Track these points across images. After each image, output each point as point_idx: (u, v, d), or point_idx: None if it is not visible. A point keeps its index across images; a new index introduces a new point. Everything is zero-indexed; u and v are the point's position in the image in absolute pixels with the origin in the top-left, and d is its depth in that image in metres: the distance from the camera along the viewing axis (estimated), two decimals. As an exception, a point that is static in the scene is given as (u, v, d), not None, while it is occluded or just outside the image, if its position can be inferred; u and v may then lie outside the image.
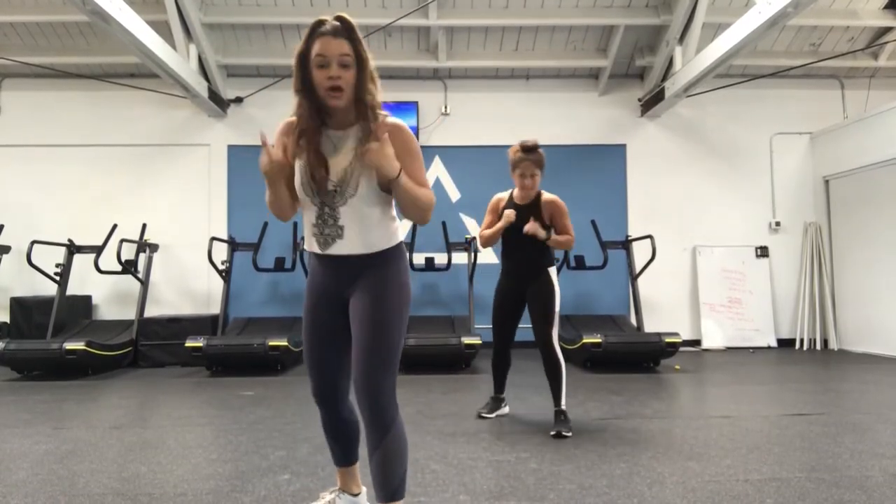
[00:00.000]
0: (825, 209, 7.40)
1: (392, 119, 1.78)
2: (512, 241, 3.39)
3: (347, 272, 1.82)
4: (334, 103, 1.70)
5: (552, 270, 3.40)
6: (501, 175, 4.79)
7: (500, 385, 3.72)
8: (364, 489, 2.14)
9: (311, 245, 1.85)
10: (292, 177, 1.80)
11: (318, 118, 1.75)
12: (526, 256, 3.38)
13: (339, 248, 1.79)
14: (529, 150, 3.28)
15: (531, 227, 3.25)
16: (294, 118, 1.79)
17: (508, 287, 3.49)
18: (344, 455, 2.04)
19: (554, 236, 3.34)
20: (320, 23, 1.68)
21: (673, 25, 6.55)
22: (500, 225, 3.33)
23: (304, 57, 1.70)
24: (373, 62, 1.73)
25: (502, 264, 3.55)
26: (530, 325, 3.43)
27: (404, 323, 1.84)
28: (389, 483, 1.75)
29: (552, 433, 3.15)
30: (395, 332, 1.79)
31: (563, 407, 3.31)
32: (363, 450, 1.80)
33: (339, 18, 1.68)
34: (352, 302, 1.83)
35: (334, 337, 1.88)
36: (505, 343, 3.60)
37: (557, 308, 3.36)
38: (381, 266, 1.82)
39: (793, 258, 7.42)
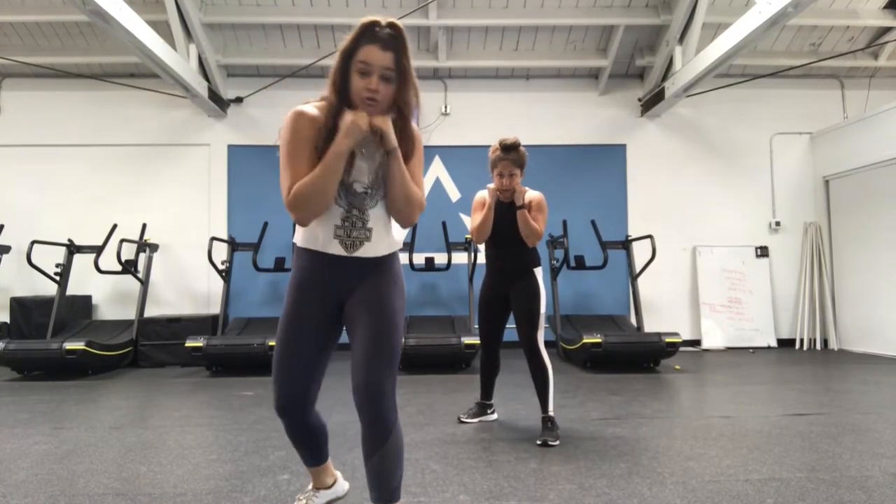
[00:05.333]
0: (825, 209, 7.40)
1: (415, 125, 1.82)
2: (499, 239, 3.30)
3: (357, 274, 1.80)
4: (368, 111, 1.68)
5: (538, 271, 3.31)
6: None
7: (487, 391, 3.61)
8: (338, 474, 2.17)
9: (328, 247, 1.76)
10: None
11: None
12: (513, 254, 3.29)
13: (367, 251, 1.78)
14: (508, 148, 3.16)
15: (521, 198, 3.17)
16: (310, 111, 1.70)
17: (494, 287, 3.39)
18: (313, 458, 2.04)
19: (527, 214, 3.19)
20: (373, 26, 1.63)
21: (673, 25, 6.56)
22: (488, 203, 3.20)
23: (347, 57, 1.65)
24: (413, 72, 1.70)
25: (488, 264, 3.45)
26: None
27: (402, 322, 1.84)
28: (389, 485, 1.75)
29: (538, 442, 3.04)
30: (397, 334, 1.79)
31: (551, 413, 3.20)
32: (347, 450, 1.79)
33: (391, 26, 1.63)
34: (351, 305, 1.81)
35: (317, 343, 1.83)
36: (494, 346, 3.50)
37: (543, 310, 3.25)
38: (385, 269, 1.83)
39: (793, 258, 7.42)
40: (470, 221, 3.39)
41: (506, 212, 3.25)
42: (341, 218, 1.75)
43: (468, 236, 6.78)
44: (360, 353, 1.74)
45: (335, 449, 2.53)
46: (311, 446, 1.99)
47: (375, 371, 1.71)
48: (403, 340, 5.39)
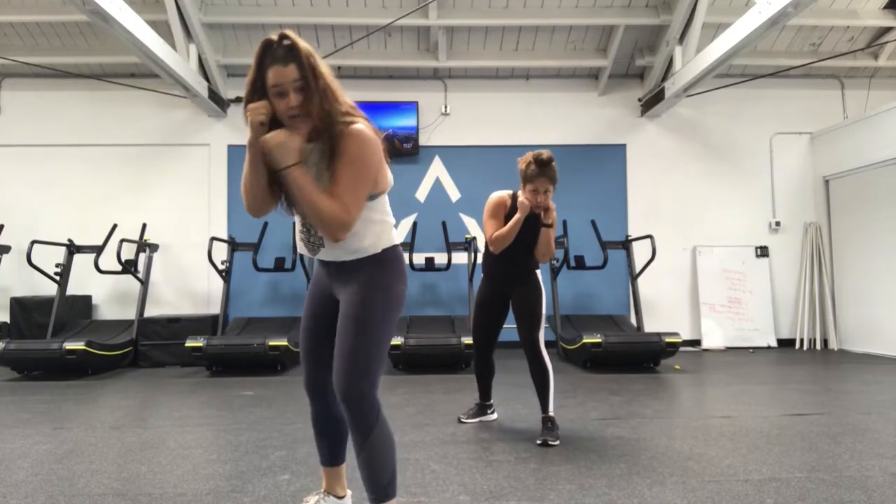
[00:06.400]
0: (825, 209, 7.40)
1: (356, 127, 1.70)
2: (511, 248, 3.20)
3: (337, 274, 1.88)
4: (302, 128, 1.69)
5: (538, 273, 3.31)
6: (501, 175, 4.80)
7: (485, 392, 3.61)
8: (349, 492, 2.14)
9: (301, 249, 1.93)
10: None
11: None
12: (519, 260, 3.27)
13: (325, 255, 1.87)
14: (545, 164, 3.04)
15: (551, 217, 3.15)
16: None
17: (494, 292, 3.36)
18: (330, 454, 2.06)
19: (551, 233, 3.21)
20: (269, 45, 1.65)
21: (673, 25, 6.56)
22: (518, 217, 3.09)
23: (259, 86, 1.68)
24: (326, 73, 1.68)
25: (489, 268, 3.38)
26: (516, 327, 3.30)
27: (388, 326, 1.82)
28: (378, 483, 1.79)
29: (538, 442, 3.04)
30: (374, 336, 1.78)
31: (552, 413, 3.19)
32: (349, 449, 1.81)
33: (284, 37, 1.65)
34: (339, 307, 1.88)
35: (328, 335, 1.91)
36: (488, 349, 3.49)
37: (543, 310, 3.26)
38: (368, 270, 1.83)
39: (793, 258, 7.42)
40: (485, 226, 3.25)
41: (526, 223, 3.17)
42: (302, 223, 1.88)
43: (468, 236, 6.78)
44: (336, 359, 1.79)
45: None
46: (331, 438, 2.04)
47: (350, 376, 1.75)
48: (403, 340, 5.44)
